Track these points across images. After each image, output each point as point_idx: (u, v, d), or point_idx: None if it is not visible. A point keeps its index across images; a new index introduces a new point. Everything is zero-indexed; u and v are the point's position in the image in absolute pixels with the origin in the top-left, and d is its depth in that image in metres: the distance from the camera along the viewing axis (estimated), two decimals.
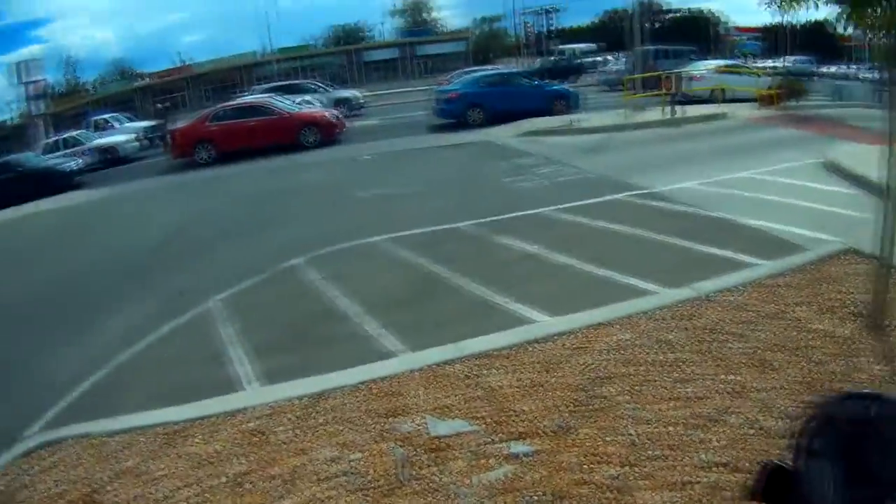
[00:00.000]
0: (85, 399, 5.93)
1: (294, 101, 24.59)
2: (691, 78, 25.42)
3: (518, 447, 3.99)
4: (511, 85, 23.87)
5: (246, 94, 34.59)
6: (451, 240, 9.19)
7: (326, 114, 22.78)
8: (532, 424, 4.21)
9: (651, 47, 34.97)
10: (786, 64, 41.27)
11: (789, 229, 8.31)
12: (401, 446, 4.15)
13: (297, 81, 39.65)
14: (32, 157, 24.14)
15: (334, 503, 3.80)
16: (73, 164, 22.82)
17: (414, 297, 7.20)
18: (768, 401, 4.36)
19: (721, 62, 32.03)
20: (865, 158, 11.90)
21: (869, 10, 5.23)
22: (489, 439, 4.11)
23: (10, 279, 10.50)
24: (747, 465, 3.68)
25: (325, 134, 21.21)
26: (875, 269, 5.65)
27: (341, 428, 4.50)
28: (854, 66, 54.32)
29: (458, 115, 22.33)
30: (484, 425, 4.27)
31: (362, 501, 3.77)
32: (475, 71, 32.24)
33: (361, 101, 32.35)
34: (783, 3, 6.14)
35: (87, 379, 6.25)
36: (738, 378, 4.67)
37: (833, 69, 55.48)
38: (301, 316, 7.07)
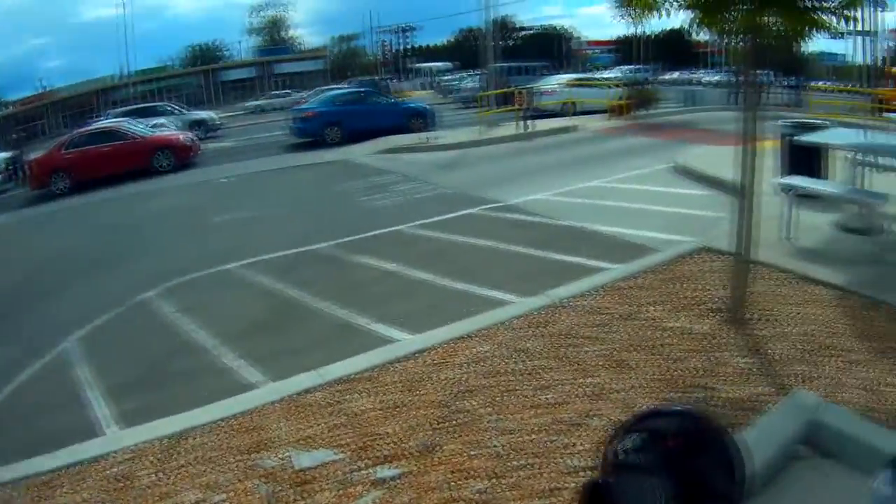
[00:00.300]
0: None
1: (147, 125, 23.64)
2: (543, 93, 26.41)
3: (384, 471, 3.91)
4: (368, 103, 23.95)
5: (101, 118, 32.99)
6: (309, 262, 9.01)
7: (181, 136, 22.06)
8: (397, 447, 4.15)
9: (504, 64, 36.18)
10: (618, 75, 43.47)
11: (641, 233, 8.71)
12: (266, 483, 3.98)
13: (152, 104, 38.26)
14: None
15: None
16: None
17: (273, 325, 6.98)
18: (629, 400, 4.49)
19: (572, 76, 33.50)
20: (716, 160, 12.73)
21: (721, 16, 5.34)
22: (355, 466, 4.01)
23: None
24: None
25: (180, 157, 20.51)
26: (732, 265, 5.91)
27: (204, 468, 4.27)
28: (702, 71, 58.20)
29: (315, 134, 22.22)
30: (349, 452, 4.16)
31: None
32: (331, 89, 32.11)
33: (217, 122, 31.47)
34: (635, 14, 6.31)
35: None
36: (597, 381, 4.78)
37: (675, 75, 59.23)
38: (156, 352, 6.68)
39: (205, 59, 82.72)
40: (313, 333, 6.56)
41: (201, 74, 78.10)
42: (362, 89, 30.68)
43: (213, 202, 14.58)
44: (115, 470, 4.45)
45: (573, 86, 27.81)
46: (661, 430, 1.16)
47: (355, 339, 6.15)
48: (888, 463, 1.39)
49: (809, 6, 5.24)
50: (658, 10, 5.55)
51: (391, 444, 4.18)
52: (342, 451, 4.18)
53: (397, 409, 4.58)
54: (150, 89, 69.93)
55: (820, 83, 42.52)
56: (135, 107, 35.20)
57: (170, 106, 34.22)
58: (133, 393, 5.81)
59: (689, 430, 1.15)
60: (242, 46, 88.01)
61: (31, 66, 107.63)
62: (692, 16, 5.47)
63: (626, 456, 1.15)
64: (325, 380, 5.16)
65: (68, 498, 4.24)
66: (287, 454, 4.24)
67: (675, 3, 5.48)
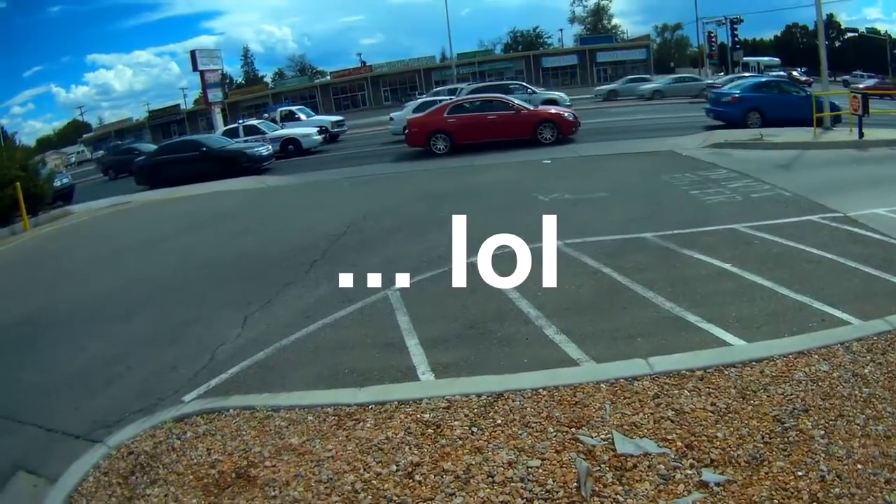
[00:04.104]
0: (252, 371, 6.19)
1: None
2: None
3: (710, 475, 3.77)
4: (785, 92, 23.08)
5: (422, 96, 35.58)
6: (637, 250, 8.82)
7: (564, 112, 23.04)
8: (725, 452, 3.97)
9: None
10: None
11: None
12: (584, 459, 4.00)
13: (502, 82, 40.71)
14: (219, 139, 26.18)
15: None
16: (264, 149, 24.41)
17: (597, 306, 6.97)
18: None
19: None
20: None
21: None
22: (679, 464, 3.91)
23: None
24: None
25: (563, 131, 21.56)
26: None
27: (520, 431, 4.43)
28: None
29: (736, 118, 21.90)
30: (674, 448, 4.07)
31: None
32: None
33: (567, 102, 31.84)
34: None
35: (258, 352, 6.58)
36: None
37: None
38: (478, 312, 7.03)
39: (525, 45, 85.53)
40: (638, 322, 6.43)
41: (522, 60, 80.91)
42: (781, 79, 29.73)
43: (573, 176, 15.40)
44: (427, 416, 4.75)
45: None
46: None
47: (683, 335, 5.97)
48: None
49: None
50: None
51: (718, 449, 4.01)
52: (667, 446, 4.10)
53: (728, 415, 4.38)
54: (469, 72, 73.99)
55: None
56: (485, 84, 37.87)
57: (519, 84, 35.70)
58: (452, 347, 6.22)
59: None
60: (564, 34, 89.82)
61: (346, 42, 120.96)
62: None
63: None
64: (652, 370, 5.11)
65: (370, 433, 4.59)
66: (609, 436, 4.26)
67: None
